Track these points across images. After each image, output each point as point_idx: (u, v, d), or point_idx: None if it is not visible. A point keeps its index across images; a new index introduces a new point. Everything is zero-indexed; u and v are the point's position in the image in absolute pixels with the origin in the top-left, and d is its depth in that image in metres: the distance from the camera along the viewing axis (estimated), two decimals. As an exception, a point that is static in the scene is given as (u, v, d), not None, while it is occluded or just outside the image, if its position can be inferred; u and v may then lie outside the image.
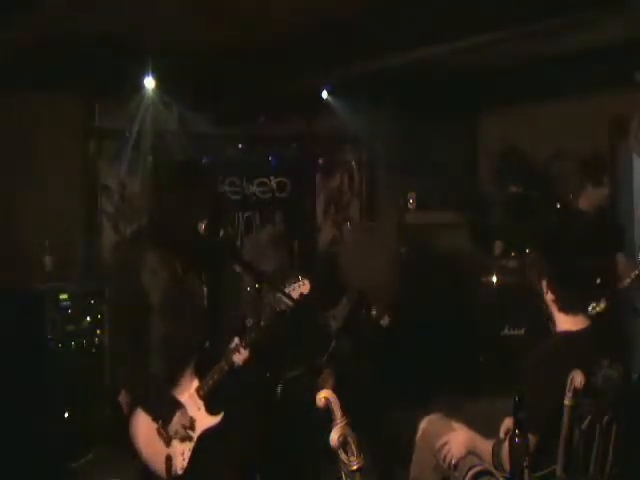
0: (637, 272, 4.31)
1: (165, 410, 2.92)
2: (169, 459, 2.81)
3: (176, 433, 2.90)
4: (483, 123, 7.37)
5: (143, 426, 2.92)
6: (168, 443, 2.92)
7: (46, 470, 4.43)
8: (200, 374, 3.01)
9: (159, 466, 2.85)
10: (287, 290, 2.99)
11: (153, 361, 2.95)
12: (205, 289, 3.13)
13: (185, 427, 2.91)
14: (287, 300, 2.96)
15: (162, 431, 2.91)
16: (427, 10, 4.73)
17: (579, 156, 5.05)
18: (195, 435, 2.95)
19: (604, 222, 4.74)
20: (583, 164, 4.84)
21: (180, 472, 2.91)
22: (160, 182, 3.19)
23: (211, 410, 2.99)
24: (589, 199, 4.72)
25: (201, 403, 2.98)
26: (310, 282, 3.03)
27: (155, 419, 2.91)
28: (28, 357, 4.75)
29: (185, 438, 2.92)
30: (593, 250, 3.16)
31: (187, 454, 2.93)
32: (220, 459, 3.01)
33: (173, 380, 2.98)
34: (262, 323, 3.01)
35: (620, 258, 4.69)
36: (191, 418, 2.94)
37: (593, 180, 4.68)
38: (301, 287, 3.03)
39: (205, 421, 2.98)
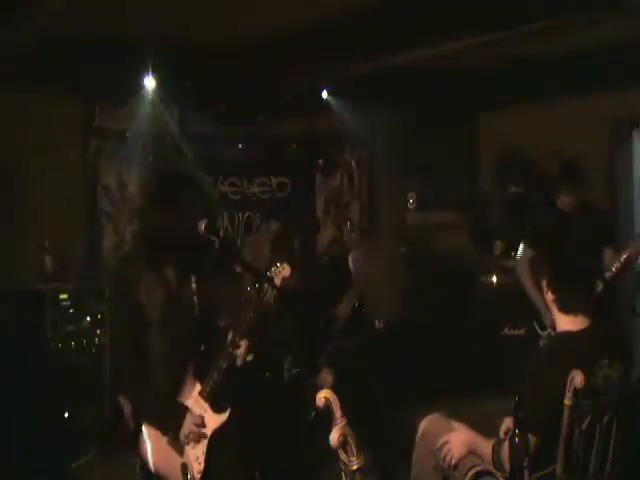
0: (619, 263, 4.28)
1: (174, 418, 2.91)
2: (185, 467, 2.81)
3: (189, 434, 2.89)
4: (483, 123, 7.37)
5: (152, 442, 2.90)
6: (181, 452, 2.91)
7: (46, 470, 4.43)
8: (201, 377, 3.01)
9: (176, 478, 2.85)
10: (269, 276, 3.03)
11: (155, 373, 2.94)
12: (202, 291, 3.13)
13: (197, 424, 2.91)
14: (272, 288, 2.99)
15: (173, 442, 2.90)
16: (427, 10, 4.73)
17: (573, 156, 5.07)
18: (207, 432, 2.95)
19: (587, 218, 4.75)
20: (560, 166, 4.87)
21: (198, 476, 2.90)
22: (157, 184, 3.18)
23: (217, 409, 2.99)
24: (567, 199, 4.75)
25: (206, 405, 2.98)
26: (291, 266, 3.06)
27: (165, 431, 2.90)
28: (28, 357, 4.75)
29: (199, 437, 2.92)
30: (578, 246, 3.13)
31: (202, 458, 2.93)
32: (233, 456, 3.01)
33: (176, 388, 2.98)
34: (252, 314, 3.02)
35: (608, 252, 4.67)
36: (201, 415, 2.94)
37: (567, 184, 4.71)
38: (282, 272, 3.06)
39: (214, 421, 2.97)
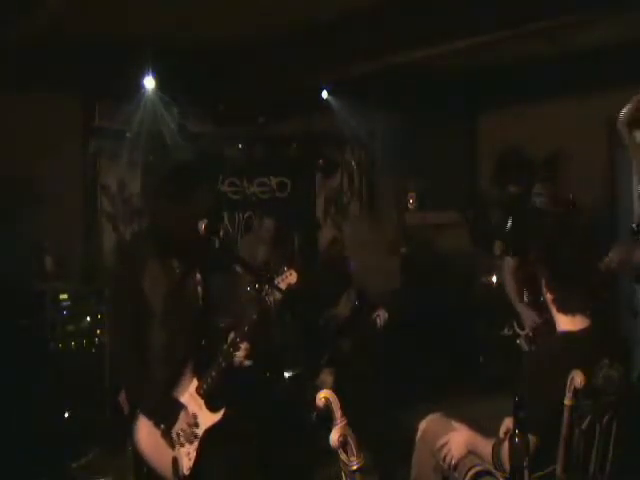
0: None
1: (168, 413, 2.91)
2: (175, 461, 2.80)
3: (181, 433, 2.89)
4: (483, 123, 7.37)
5: (146, 432, 2.91)
6: (173, 446, 2.91)
7: (46, 470, 4.43)
8: (199, 373, 3.01)
9: (165, 470, 2.85)
10: (275, 281, 3.02)
11: (153, 365, 2.95)
12: (204, 289, 3.13)
13: (190, 424, 2.91)
14: (276, 291, 2.98)
15: (166, 434, 2.90)
16: (427, 10, 4.74)
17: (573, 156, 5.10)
18: (199, 433, 2.95)
19: (569, 221, 4.77)
20: (542, 162, 4.91)
21: (187, 472, 2.90)
22: (159, 182, 3.18)
23: (212, 407, 2.99)
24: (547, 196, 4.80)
25: (202, 402, 2.98)
26: (297, 272, 3.05)
27: (158, 424, 2.90)
28: (28, 357, 4.75)
29: (190, 436, 2.91)
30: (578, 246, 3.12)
31: (193, 454, 2.93)
32: (225, 456, 3.01)
33: (173, 382, 2.98)
34: (254, 316, 3.01)
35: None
36: (194, 415, 2.94)
37: (542, 178, 4.76)
38: (288, 277, 3.05)
39: (208, 419, 2.97)
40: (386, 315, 5.19)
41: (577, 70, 5.95)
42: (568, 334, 2.74)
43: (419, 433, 3.16)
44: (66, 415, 4.86)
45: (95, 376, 5.04)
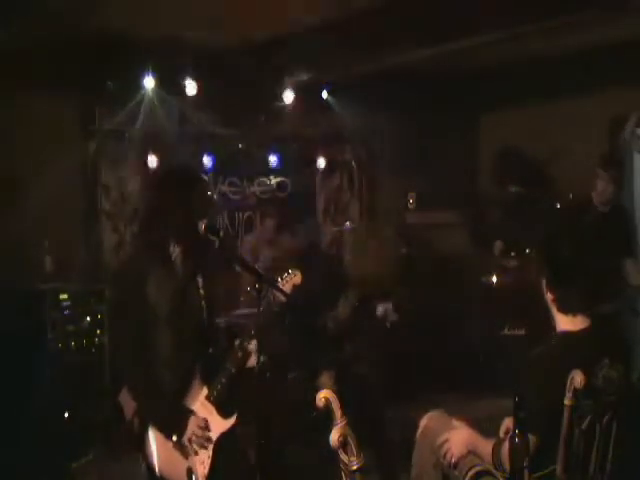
0: None
1: (178, 420, 2.88)
2: (190, 471, 2.78)
3: (194, 438, 2.85)
4: (483, 123, 7.37)
5: (158, 445, 2.87)
6: (186, 455, 2.89)
7: (46, 470, 4.43)
8: (207, 380, 2.98)
9: None
10: (280, 283, 3.01)
11: (160, 374, 2.92)
12: (206, 291, 3.11)
13: (202, 428, 2.88)
14: (280, 294, 2.97)
15: (179, 445, 2.88)
16: (427, 10, 4.74)
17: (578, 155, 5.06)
18: (213, 436, 2.92)
19: (616, 220, 4.70)
20: (601, 157, 4.79)
21: None
22: (159, 182, 3.16)
23: (224, 413, 2.96)
24: (599, 193, 4.67)
25: (212, 408, 2.95)
26: (301, 273, 3.04)
27: (168, 434, 2.88)
28: (28, 357, 4.75)
29: (203, 441, 2.89)
30: (599, 248, 3.10)
31: (207, 462, 2.89)
32: (239, 461, 3.00)
33: (182, 390, 2.95)
34: (260, 319, 3.00)
35: (629, 261, 4.63)
36: (205, 420, 2.91)
37: (606, 173, 4.63)
38: (293, 278, 3.03)
39: (220, 425, 2.94)
40: (394, 315, 5.19)
41: (577, 70, 5.94)
42: (568, 334, 2.74)
43: (419, 430, 3.16)
44: (66, 415, 4.86)
45: (95, 376, 5.04)
